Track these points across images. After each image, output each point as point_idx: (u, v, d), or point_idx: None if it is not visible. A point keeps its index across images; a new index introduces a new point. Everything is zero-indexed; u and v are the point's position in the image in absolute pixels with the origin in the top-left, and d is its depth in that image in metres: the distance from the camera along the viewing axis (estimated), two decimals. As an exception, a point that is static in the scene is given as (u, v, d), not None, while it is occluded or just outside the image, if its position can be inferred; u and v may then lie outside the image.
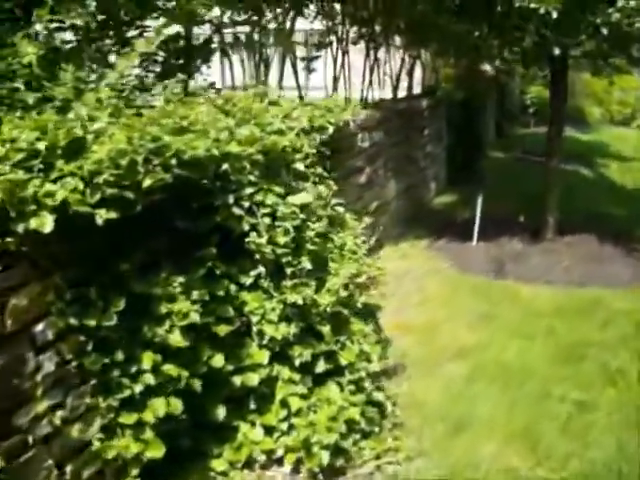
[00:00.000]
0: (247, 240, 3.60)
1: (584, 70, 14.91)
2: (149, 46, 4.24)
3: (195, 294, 3.27)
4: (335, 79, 8.82)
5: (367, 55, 9.07)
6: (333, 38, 8.60)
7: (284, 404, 3.71)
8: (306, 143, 4.01)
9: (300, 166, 3.84)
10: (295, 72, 8.09)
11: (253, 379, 3.61)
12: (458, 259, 7.22)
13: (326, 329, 3.84)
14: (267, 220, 3.64)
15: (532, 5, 5.81)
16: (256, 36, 6.86)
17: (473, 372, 4.75)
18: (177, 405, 3.20)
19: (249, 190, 3.60)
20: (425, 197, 9.55)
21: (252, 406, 3.70)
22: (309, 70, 8.93)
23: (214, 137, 3.37)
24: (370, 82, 8.67)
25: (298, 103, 4.96)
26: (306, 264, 3.76)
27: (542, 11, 5.79)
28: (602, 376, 4.74)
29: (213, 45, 6.44)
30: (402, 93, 9.62)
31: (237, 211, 3.53)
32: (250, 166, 3.57)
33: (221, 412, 3.55)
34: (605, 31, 6.18)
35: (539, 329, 5.46)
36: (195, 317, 3.21)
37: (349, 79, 8.17)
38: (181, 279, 3.23)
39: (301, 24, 8.65)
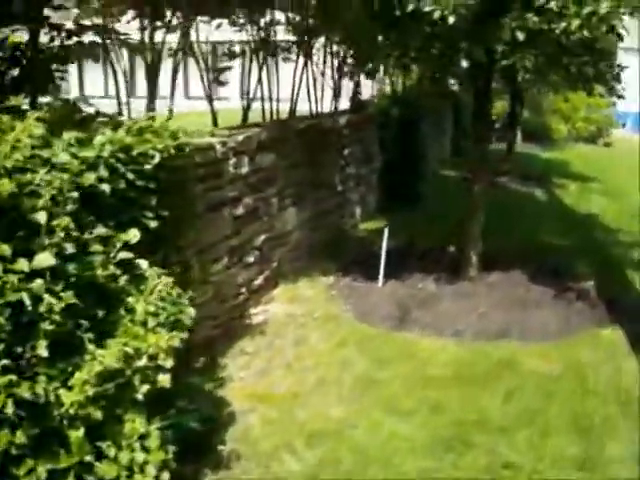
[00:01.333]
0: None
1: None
2: None
3: None
4: (247, 91, 7.91)
5: (296, 66, 8.14)
6: (246, 48, 7.68)
7: None
8: (62, 181, 2.95)
9: (41, 217, 2.79)
10: (203, 83, 7.15)
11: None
12: (360, 302, 6.20)
13: (76, 434, 2.80)
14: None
15: (426, 9, 4.85)
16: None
17: (320, 468, 3.71)
18: None
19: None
20: (345, 224, 8.54)
21: None
22: (219, 82, 7.98)
23: None
24: (297, 95, 7.71)
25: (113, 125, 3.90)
26: (42, 350, 2.72)
27: (436, 16, 4.82)
28: (486, 472, 3.72)
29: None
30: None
31: None
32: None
33: None
34: (521, 37, 5.21)
35: (426, 402, 4.44)
36: None
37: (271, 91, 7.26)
38: None
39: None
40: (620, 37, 5.43)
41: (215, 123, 7.33)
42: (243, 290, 5.88)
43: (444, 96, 15.11)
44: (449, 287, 6.47)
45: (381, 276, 6.46)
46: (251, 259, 5.99)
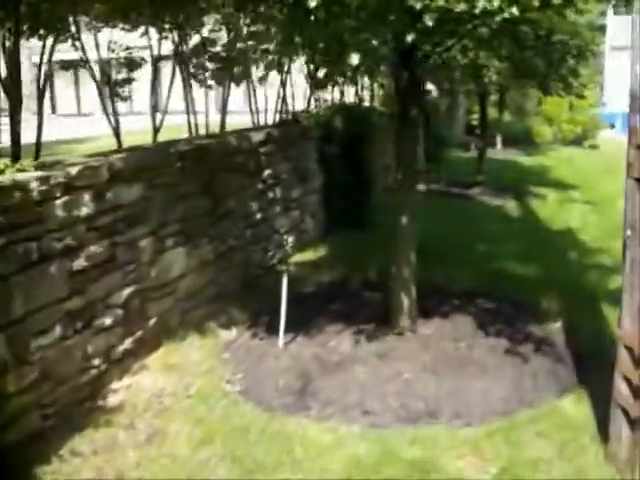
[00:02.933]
0: None
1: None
2: None
3: None
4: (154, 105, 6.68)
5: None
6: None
7: None
8: None
9: None
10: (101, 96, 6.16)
11: None
12: (253, 370, 4.87)
13: None
14: None
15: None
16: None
17: None
18: None
19: None
20: (269, 259, 7.20)
21: None
22: (118, 96, 6.73)
23: None
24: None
25: None
26: None
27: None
28: None
29: None
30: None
31: None
32: None
33: None
34: (429, 22, 3.88)
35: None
36: None
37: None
38: None
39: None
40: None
41: (120, 145, 6.09)
42: (96, 362, 4.56)
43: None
44: (370, 344, 5.12)
45: (281, 334, 5.12)
46: (108, 321, 4.67)
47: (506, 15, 3.77)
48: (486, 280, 6.86)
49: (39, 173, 4.03)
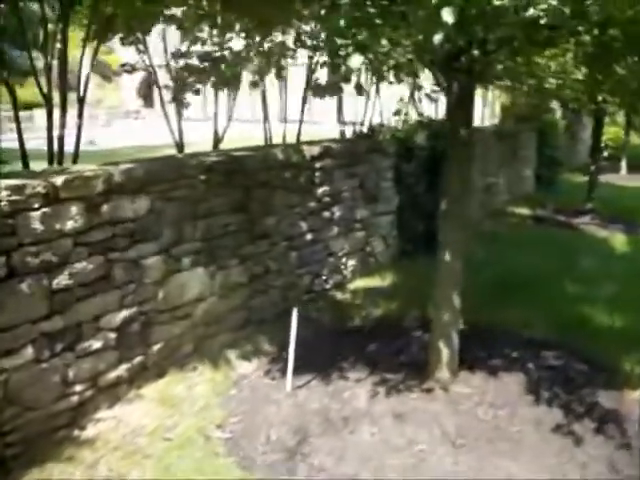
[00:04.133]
0: None
1: None
2: None
3: None
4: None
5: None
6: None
7: None
8: None
9: None
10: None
11: None
12: (251, 415, 4.28)
13: None
14: None
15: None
16: None
17: None
18: None
19: None
20: (320, 285, 6.58)
21: None
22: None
23: None
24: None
25: None
26: None
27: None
28: None
29: None
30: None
31: None
32: None
33: None
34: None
35: None
36: None
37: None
38: None
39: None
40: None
41: (181, 149, 5.75)
42: (79, 388, 4.17)
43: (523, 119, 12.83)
44: (390, 400, 4.38)
45: (289, 376, 4.50)
46: (97, 344, 4.27)
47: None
48: (562, 328, 5.90)
49: (12, 182, 3.69)
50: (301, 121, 6.88)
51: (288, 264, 6.08)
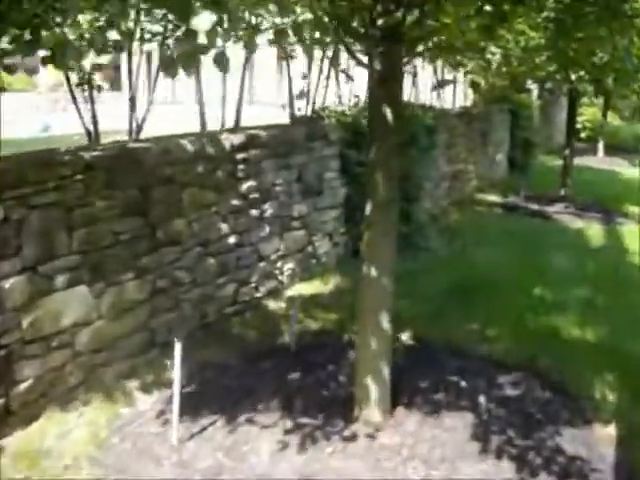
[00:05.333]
0: None
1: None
2: None
3: None
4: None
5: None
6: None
7: None
8: None
9: None
10: None
11: None
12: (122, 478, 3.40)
13: None
14: None
15: None
16: None
17: None
18: None
19: None
20: (243, 294, 5.69)
21: None
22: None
23: None
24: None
25: None
26: None
27: None
28: None
29: None
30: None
31: None
32: None
33: None
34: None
35: None
36: None
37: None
38: None
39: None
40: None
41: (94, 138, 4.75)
42: None
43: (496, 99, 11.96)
44: (300, 455, 3.50)
45: (175, 425, 3.59)
46: None
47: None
48: (526, 342, 5.10)
49: None
50: (239, 103, 5.95)
51: (205, 273, 5.18)
